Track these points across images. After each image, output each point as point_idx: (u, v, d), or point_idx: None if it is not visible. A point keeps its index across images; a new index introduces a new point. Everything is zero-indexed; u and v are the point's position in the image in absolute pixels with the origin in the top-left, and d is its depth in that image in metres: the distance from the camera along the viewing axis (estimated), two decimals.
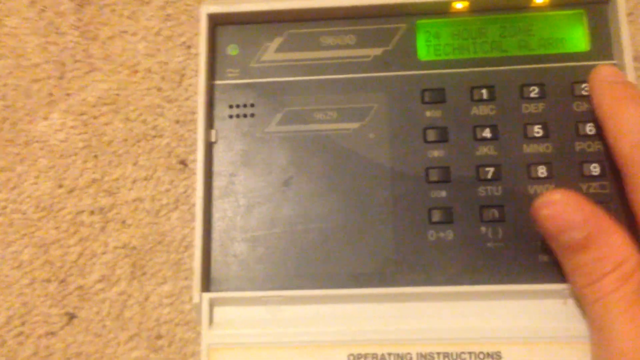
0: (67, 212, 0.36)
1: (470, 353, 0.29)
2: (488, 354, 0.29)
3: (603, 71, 0.31)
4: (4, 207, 0.37)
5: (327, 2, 0.33)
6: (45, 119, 0.38)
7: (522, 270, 0.30)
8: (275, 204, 0.32)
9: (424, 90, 0.33)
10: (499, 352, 0.29)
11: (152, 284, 0.35)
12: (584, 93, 0.32)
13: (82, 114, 0.38)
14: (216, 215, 0.32)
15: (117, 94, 0.38)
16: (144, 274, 0.35)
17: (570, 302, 0.30)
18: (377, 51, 0.33)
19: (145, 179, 0.37)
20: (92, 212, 0.36)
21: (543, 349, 0.29)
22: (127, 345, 0.34)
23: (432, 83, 0.33)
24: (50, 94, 0.38)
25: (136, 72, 0.38)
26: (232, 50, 0.34)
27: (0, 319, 0.35)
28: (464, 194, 0.31)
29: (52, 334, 0.35)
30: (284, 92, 0.33)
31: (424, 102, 0.33)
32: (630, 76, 0.31)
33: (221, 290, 0.31)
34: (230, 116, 0.33)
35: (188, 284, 0.35)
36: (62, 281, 0.35)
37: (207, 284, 0.31)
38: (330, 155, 0.32)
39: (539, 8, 0.33)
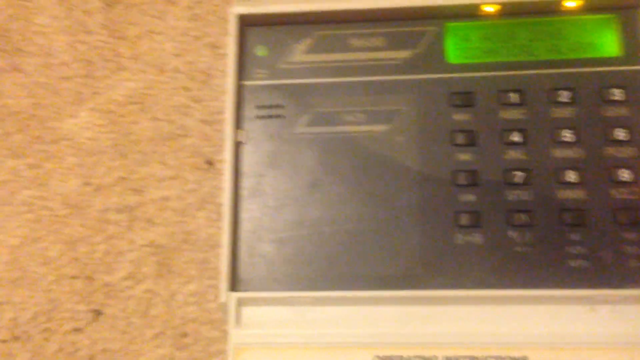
0: (94, 210, 0.37)
1: (496, 357, 0.29)
2: (515, 359, 0.29)
3: None
4: (32, 204, 0.37)
5: (355, 4, 0.34)
6: (73, 117, 0.39)
7: (550, 276, 0.30)
8: (302, 205, 0.32)
9: (452, 94, 0.33)
10: (526, 357, 0.29)
11: (178, 282, 0.35)
12: (614, 98, 0.32)
13: (109, 113, 0.38)
14: (244, 215, 0.32)
15: (145, 93, 0.38)
16: (169, 272, 0.36)
17: (598, 309, 0.29)
18: (406, 54, 0.34)
19: (172, 178, 0.37)
20: (119, 210, 0.37)
21: (570, 354, 0.29)
22: (152, 342, 0.35)
23: (461, 86, 0.33)
24: (79, 92, 0.39)
25: (163, 71, 0.39)
26: (260, 51, 0.34)
27: (27, 315, 0.36)
28: (492, 198, 0.31)
29: (78, 330, 0.35)
30: (313, 93, 0.33)
31: (452, 106, 0.33)
32: None
33: (248, 290, 0.31)
34: (259, 117, 0.33)
35: (213, 282, 0.35)
36: (89, 278, 0.36)
37: (234, 284, 0.31)
38: (357, 158, 0.32)
39: (570, 12, 0.33)
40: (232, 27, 0.33)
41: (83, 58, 0.40)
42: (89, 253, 0.36)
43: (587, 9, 0.33)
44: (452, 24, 0.34)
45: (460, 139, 0.32)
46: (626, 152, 0.31)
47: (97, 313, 0.35)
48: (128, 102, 0.38)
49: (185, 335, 0.35)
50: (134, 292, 0.35)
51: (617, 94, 0.32)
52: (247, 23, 0.34)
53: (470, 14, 0.34)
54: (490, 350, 0.29)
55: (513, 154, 0.32)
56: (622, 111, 0.32)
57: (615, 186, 0.31)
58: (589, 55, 0.33)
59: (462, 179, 0.32)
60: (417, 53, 0.33)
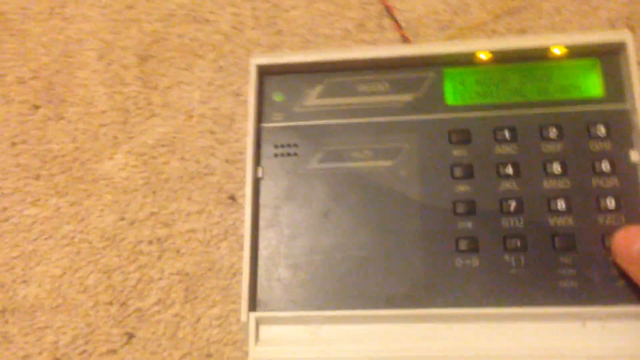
0: (128, 242, 0.40)
1: None
2: None
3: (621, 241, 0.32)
4: (73, 237, 0.41)
5: (362, 54, 0.37)
6: (111, 159, 0.42)
7: (543, 295, 0.32)
8: (315, 234, 0.35)
9: (451, 132, 0.36)
10: None
11: (203, 307, 0.38)
12: (598, 134, 0.35)
13: (142, 155, 0.42)
14: (262, 243, 0.35)
15: (174, 137, 0.42)
16: (195, 297, 0.39)
17: (589, 325, 0.32)
18: (408, 97, 0.37)
19: (198, 212, 0.40)
20: (150, 242, 0.40)
21: None
22: None
23: (459, 125, 0.36)
24: (115, 137, 0.43)
25: (191, 117, 0.43)
26: (277, 96, 0.38)
27: (66, 338, 0.39)
28: (488, 225, 0.34)
29: (113, 351, 0.38)
30: (324, 133, 0.37)
31: (451, 142, 0.36)
32: None
33: (266, 310, 0.34)
34: (276, 155, 0.37)
35: (236, 307, 0.38)
36: (123, 304, 0.39)
37: (253, 305, 0.34)
38: (365, 190, 0.35)
39: (557, 58, 0.36)
40: (252, 76, 0.37)
41: (119, 107, 0.44)
42: (123, 281, 0.39)
43: (572, 54, 0.36)
44: (449, 70, 0.37)
45: (458, 172, 0.35)
46: (610, 182, 0.34)
47: (130, 336, 0.38)
48: (159, 145, 0.42)
49: (210, 355, 0.37)
50: (163, 316, 0.38)
51: (601, 131, 0.35)
52: (265, 72, 0.38)
53: (466, 60, 0.37)
54: None
55: (507, 185, 0.35)
56: (606, 146, 0.35)
57: (601, 213, 0.33)
58: (574, 96, 0.36)
59: (460, 209, 0.34)
60: (418, 96, 0.37)
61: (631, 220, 0.33)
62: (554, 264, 0.33)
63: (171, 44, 0.44)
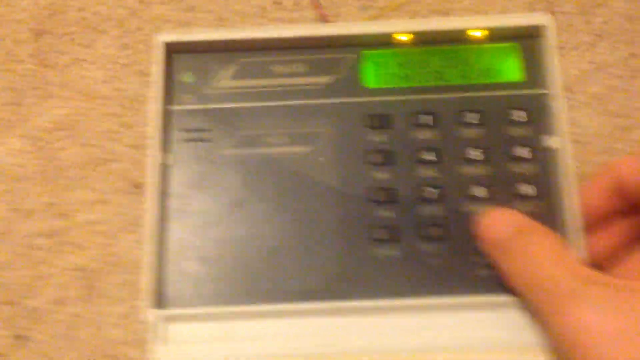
0: (21, 236, 0.37)
1: None
2: None
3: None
4: None
5: (278, 33, 0.35)
6: (2, 144, 0.39)
7: (461, 284, 0.32)
8: (228, 224, 0.33)
9: (369, 116, 0.34)
10: None
11: (106, 305, 0.36)
12: (517, 119, 0.34)
13: (38, 139, 0.39)
14: (170, 235, 0.33)
15: (74, 120, 0.39)
16: (97, 295, 0.36)
17: (506, 313, 0.31)
18: (326, 79, 0.35)
19: (101, 202, 0.37)
20: (46, 235, 0.37)
21: (481, 358, 0.30)
22: None
23: (378, 109, 0.35)
24: (7, 120, 0.39)
25: (93, 98, 0.39)
26: (187, 77, 0.35)
27: None
28: (407, 213, 0.33)
29: (3, 356, 0.35)
30: (238, 117, 0.35)
31: (370, 127, 0.34)
32: (561, 104, 0.34)
33: (175, 308, 0.31)
34: (186, 140, 0.34)
35: (142, 304, 0.35)
36: (15, 303, 0.36)
37: (160, 302, 0.31)
38: (281, 178, 0.34)
39: (477, 41, 0.36)
40: (158, 54, 0.34)
41: (12, 87, 0.40)
42: (14, 278, 0.36)
43: (493, 38, 0.36)
44: (368, 52, 0.36)
45: (377, 158, 0.34)
46: (529, 169, 0.33)
47: (22, 338, 0.35)
48: (57, 129, 0.39)
49: (112, 357, 0.35)
50: (60, 316, 0.35)
51: (520, 116, 0.34)
52: (174, 50, 0.35)
53: (385, 42, 0.35)
54: (407, 357, 0.30)
55: (426, 172, 0.34)
56: (525, 131, 0.34)
57: (519, 200, 0.33)
58: (495, 80, 0.35)
59: (379, 196, 0.33)
60: (336, 78, 0.35)
61: (551, 206, 0.33)
62: (473, 252, 0.32)
63: (70, 18, 0.41)
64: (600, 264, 0.33)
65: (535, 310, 0.29)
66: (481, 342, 0.30)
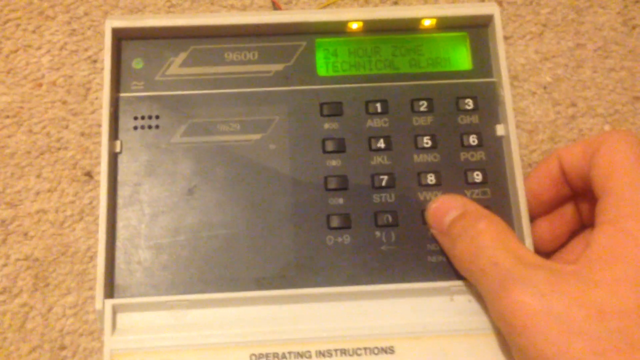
0: None
1: (365, 348, 0.31)
2: (382, 349, 0.31)
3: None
4: None
5: (230, 19, 0.35)
6: None
7: (413, 271, 0.32)
8: (179, 212, 0.33)
9: (322, 104, 0.35)
10: (392, 347, 0.31)
11: (56, 295, 0.35)
12: (466, 107, 0.35)
13: None
14: (120, 224, 0.32)
15: (21, 107, 0.38)
16: (46, 285, 0.35)
17: (457, 299, 0.32)
18: (278, 67, 0.35)
19: (49, 190, 0.37)
20: None
21: (433, 343, 0.31)
22: (29, 357, 0.34)
23: (330, 97, 0.35)
24: None
25: (40, 85, 0.38)
26: (136, 64, 0.35)
27: None
28: (360, 201, 0.33)
29: None
30: (189, 104, 0.34)
31: (322, 115, 0.34)
32: (508, 92, 0.34)
33: (125, 297, 0.31)
34: (135, 127, 0.34)
35: (93, 294, 0.35)
36: None
37: (111, 291, 0.31)
38: (233, 165, 0.33)
39: (427, 30, 0.36)
40: (107, 40, 0.34)
41: None
42: None
43: (442, 27, 0.36)
44: (321, 40, 0.36)
45: (329, 146, 0.34)
46: (477, 156, 0.34)
47: None
48: (2, 116, 0.38)
49: (63, 347, 0.34)
50: (8, 307, 0.35)
51: (468, 104, 0.35)
52: (123, 37, 0.35)
53: (338, 30, 0.36)
54: (359, 343, 0.31)
55: (378, 160, 0.34)
56: (473, 119, 0.35)
57: (469, 187, 0.34)
58: (444, 69, 0.36)
59: (332, 184, 0.33)
60: (289, 66, 0.35)
61: (498, 192, 0.34)
62: (423, 239, 0.33)
63: (16, 3, 0.40)
64: (545, 248, 0.34)
65: (480, 294, 0.30)
66: (433, 327, 0.31)
